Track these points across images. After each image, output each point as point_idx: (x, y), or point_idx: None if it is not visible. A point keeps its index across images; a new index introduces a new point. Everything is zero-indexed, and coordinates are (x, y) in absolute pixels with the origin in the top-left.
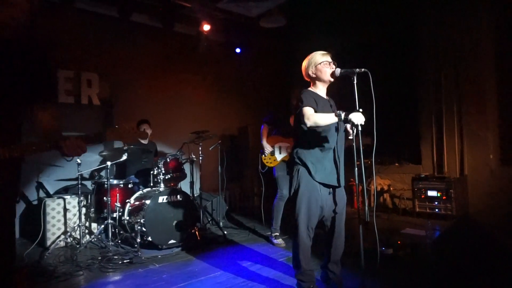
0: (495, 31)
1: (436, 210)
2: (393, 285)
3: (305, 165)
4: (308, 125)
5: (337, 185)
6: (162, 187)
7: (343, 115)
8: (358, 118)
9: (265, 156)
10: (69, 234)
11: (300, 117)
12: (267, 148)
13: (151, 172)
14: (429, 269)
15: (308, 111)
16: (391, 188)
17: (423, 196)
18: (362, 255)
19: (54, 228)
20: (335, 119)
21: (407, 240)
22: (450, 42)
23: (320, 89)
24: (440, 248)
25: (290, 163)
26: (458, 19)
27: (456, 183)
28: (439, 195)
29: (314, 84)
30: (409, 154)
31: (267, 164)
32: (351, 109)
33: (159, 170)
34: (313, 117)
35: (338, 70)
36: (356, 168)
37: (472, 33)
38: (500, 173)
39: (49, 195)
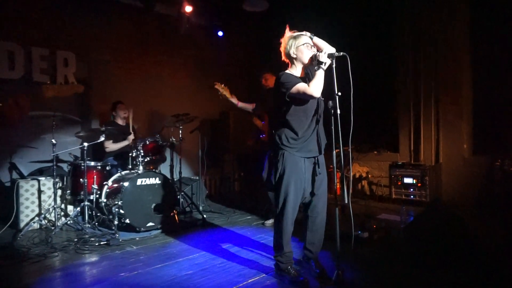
0: (470, 23)
1: (411, 196)
2: (367, 266)
3: (288, 148)
4: (317, 96)
5: (318, 154)
6: (141, 169)
7: (319, 58)
8: (323, 55)
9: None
10: (43, 216)
11: (298, 96)
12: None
13: (130, 154)
14: (401, 251)
15: (302, 86)
16: (369, 175)
17: (399, 183)
18: (337, 237)
19: (28, 210)
20: (322, 72)
21: (382, 224)
22: (429, 32)
23: (298, 71)
24: (412, 232)
25: (274, 148)
26: (436, 9)
27: (431, 171)
28: (414, 182)
29: (292, 64)
30: (387, 142)
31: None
32: (329, 92)
33: (138, 153)
34: (313, 87)
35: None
36: (334, 155)
37: (450, 24)
38: (472, 161)
39: (22, 177)
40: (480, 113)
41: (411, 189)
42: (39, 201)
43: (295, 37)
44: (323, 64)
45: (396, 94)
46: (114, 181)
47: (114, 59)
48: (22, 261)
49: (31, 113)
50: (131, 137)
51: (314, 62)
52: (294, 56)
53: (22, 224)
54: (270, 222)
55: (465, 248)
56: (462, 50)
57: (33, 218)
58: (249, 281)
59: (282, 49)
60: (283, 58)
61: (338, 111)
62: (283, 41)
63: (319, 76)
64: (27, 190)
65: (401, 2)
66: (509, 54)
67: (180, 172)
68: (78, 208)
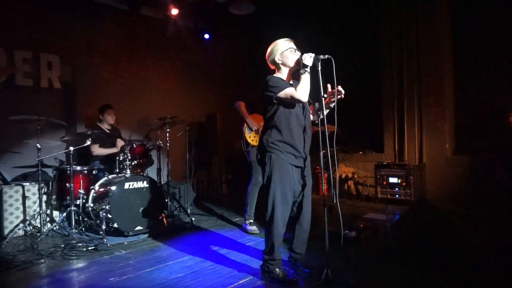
0: (452, 27)
1: (397, 195)
2: (356, 265)
3: (276, 151)
4: (304, 100)
5: (304, 161)
6: (128, 173)
7: (303, 60)
8: (307, 58)
9: (249, 134)
10: (28, 222)
11: (285, 100)
12: (254, 125)
13: (117, 158)
14: (388, 249)
15: (290, 91)
16: (355, 176)
17: (384, 183)
18: (326, 236)
19: (12, 217)
20: (308, 76)
21: (369, 224)
22: (412, 36)
23: (284, 75)
24: (399, 230)
25: (261, 150)
26: (420, 13)
27: (415, 170)
28: (399, 181)
29: (279, 70)
30: (372, 143)
31: (252, 142)
32: (316, 94)
33: (125, 156)
34: (300, 91)
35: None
36: (322, 156)
37: (433, 28)
38: (454, 161)
39: (6, 182)
40: (462, 114)
41: (396, 189)
42: (23, 207)
43: (278, 43)
44: (308, 67)
45: (381, 96)
46: (101, 185)
47: (100, 62)
48: (7, 269)
49: (14, 117)
50: (120, 144)
51: (300, 65)
52: (279, 62)
53: (6, 231)
54: (249, 228)
55: (451, 245)
56: (444, 53)
57: (17, 225)
58: (240, 282)
59: (267, 56)
60: (269, 65)
61: (325, 113)
62: (269, 48)
63: (304, 80)
64: (11, 196)
65: (386, 5)
66: (489, 56)
67: (168, 175)
68: (64, 214)
